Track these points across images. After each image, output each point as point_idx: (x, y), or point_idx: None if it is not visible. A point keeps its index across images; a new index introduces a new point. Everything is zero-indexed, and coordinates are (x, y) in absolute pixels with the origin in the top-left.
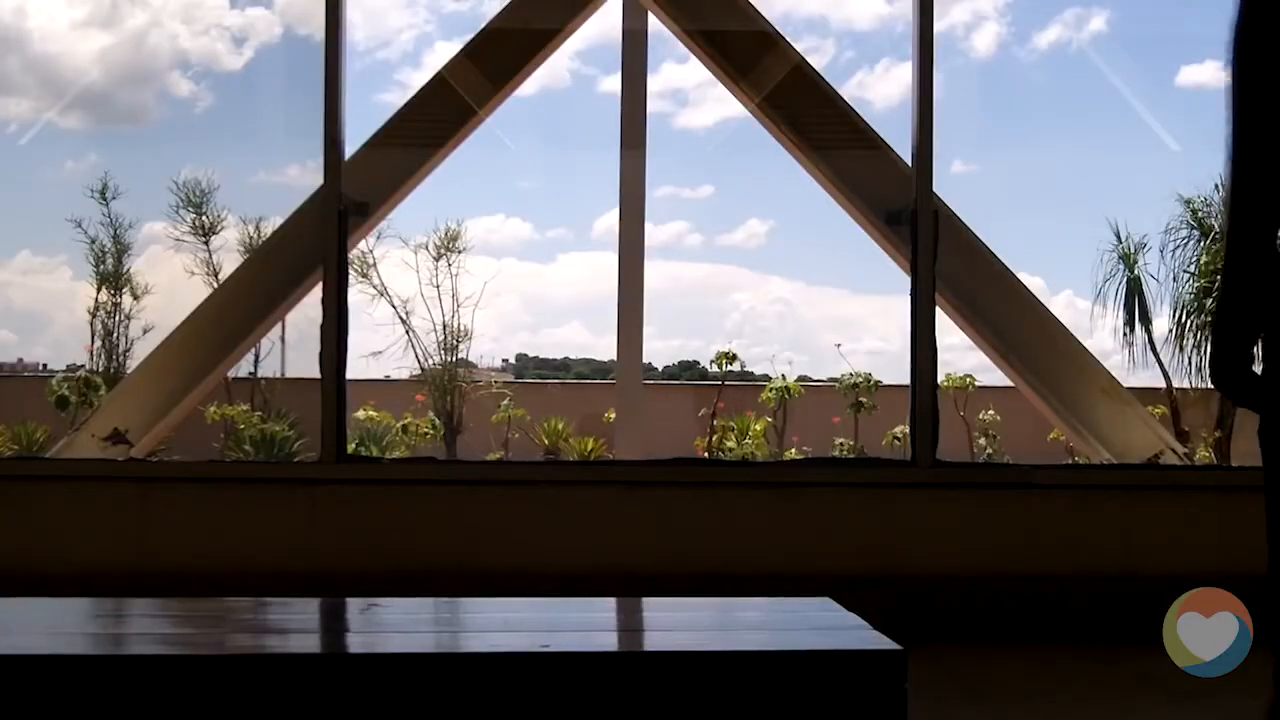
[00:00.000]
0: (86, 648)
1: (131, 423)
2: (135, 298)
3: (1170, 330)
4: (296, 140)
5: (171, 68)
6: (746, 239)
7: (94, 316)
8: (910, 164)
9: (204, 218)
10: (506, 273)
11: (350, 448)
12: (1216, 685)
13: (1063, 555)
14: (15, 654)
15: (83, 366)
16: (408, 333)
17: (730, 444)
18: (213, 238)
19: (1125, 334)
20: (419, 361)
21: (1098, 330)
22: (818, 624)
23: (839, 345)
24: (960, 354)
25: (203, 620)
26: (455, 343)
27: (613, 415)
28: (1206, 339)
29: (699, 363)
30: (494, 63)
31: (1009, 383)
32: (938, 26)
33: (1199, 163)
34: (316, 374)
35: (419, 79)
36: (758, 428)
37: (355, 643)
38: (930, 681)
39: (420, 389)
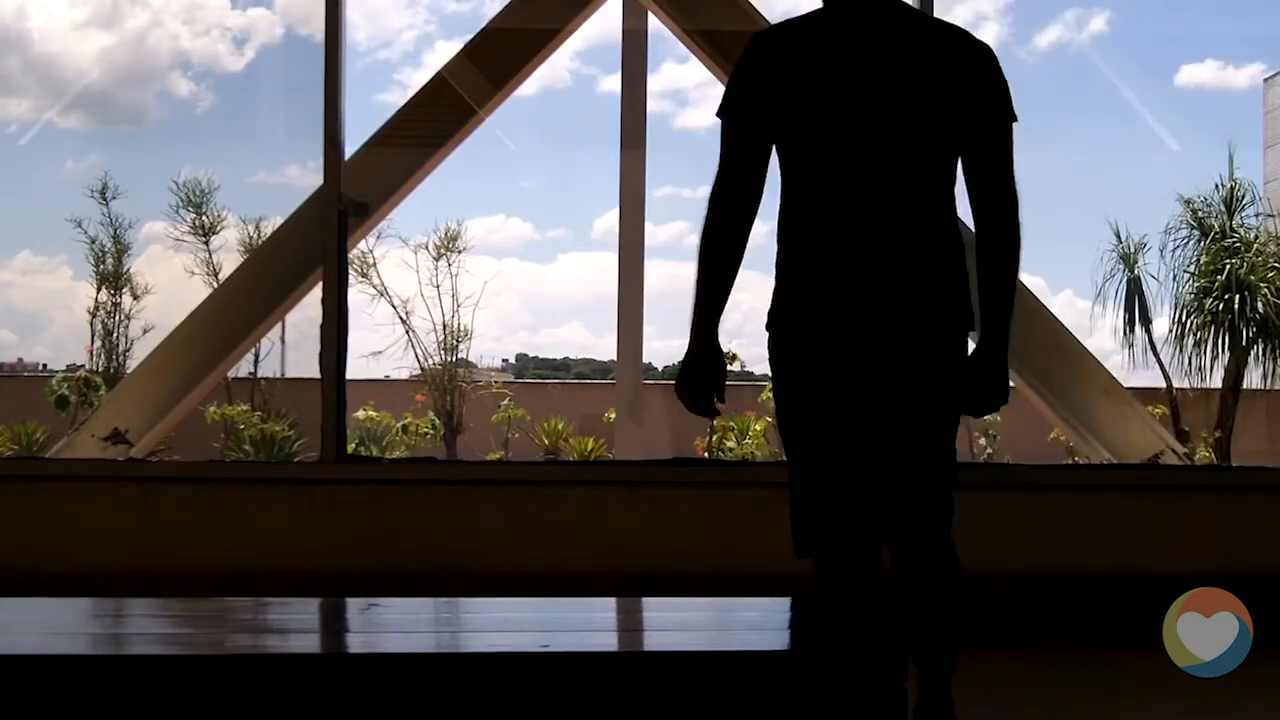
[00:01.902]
0: (86, 648)
1: (131, 423)
2: (135, 298)
3: (1170, 330)
4: (296, 140)
5: (172, 68)
6: None
7: (94, 316)
8: None
9: (204, 218)
10: (506, 273)
11: (350, 448)
12: (1216, 685)
13: (1063, 555)
14: (15, 654)
15: (82, 366)
16: (408, 333)
17: (730, 444)
18: (213, 238)
19: (1125, 334)
20: (419, 361)
21: (1098, 330)
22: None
23: None
24: None
25: (203, 620)
26: (455, 343)
27: (613, 415)
28: (1207, 339)
29: None
30: (494, 63)
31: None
32: None
33: (1199, 163)
34: (316, 374)
35: (419, 79)
36: (758, 428)
37: (355, 643)
38: None
39: (420, 389)
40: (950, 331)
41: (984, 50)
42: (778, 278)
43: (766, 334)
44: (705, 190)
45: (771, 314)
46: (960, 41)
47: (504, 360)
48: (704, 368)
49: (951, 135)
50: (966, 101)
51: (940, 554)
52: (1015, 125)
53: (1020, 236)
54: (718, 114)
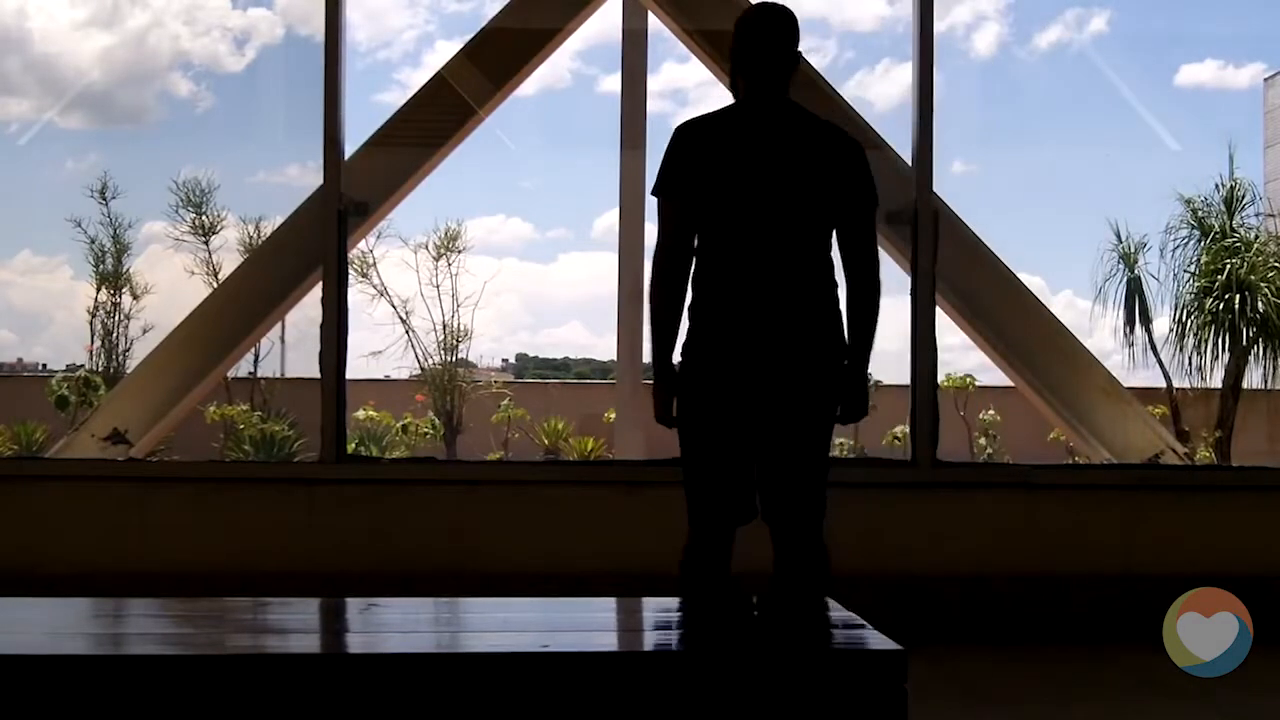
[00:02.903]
0: (86, 648)
1: (131, 422)
2: (135, 297)
3: (1170, 330)
4: (296, 140)
5: (172, 68)
6: None
7: (94, 316)
8: (910, 164)
9: (204, 217)
10: (507, 273)
11: (350, 448)
12: (1216, 685)
13: (1063, 555)
14: (15, 654)
15: (82, 366)
16: (408, 333)
17: None
18: (213, 238)
19: (1125, 334)
20: (419, 361)
21: (1098, 330)
22: (818, 624)
23: None
24: (960, 354)
25: (203, 620)
26: (455, 343)
27: (613, 415)
28: (1207, 339)
29: None
30: (494, 63)
31: (1009, 383)
32: (938, 27)
33: (1199, 163)
34: (316, 374)
35: (419, 79)
36: None
37: (355, 643)
38: (930, 682)
39: (420, 389)
40: (827, 361)
41: (856, 147)
42: (691, 318)
43: (680, 359)
44: None
45: (685, 345)
46: (838, 140)
47: (504, 360)
48: (663, 388)
49: (828, 214)
50: (841, 190)
51: (812, 542)
52: (878, 209)
53: (879, 291)
54: (653, 193)
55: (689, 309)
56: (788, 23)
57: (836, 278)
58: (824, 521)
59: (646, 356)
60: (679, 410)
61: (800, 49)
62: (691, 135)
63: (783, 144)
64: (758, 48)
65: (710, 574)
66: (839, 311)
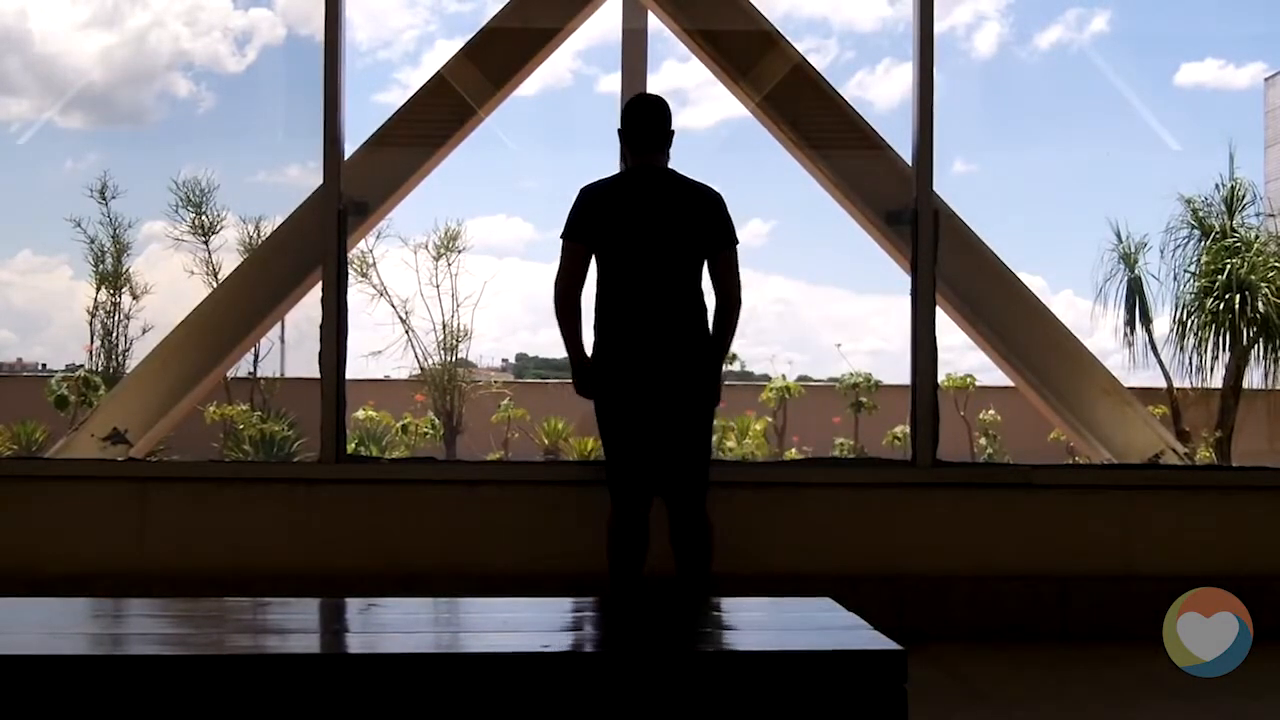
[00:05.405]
0: (86, 648)
1: (131, 422)
2: (135, 297)
3: (1171, 330)
4: (296, 140)
5: (173, 68)
6: (747, 239)
7: (94, 316)
8: (910, 164)
9: (204, 217)
10: (507, 272)
11: (350, 447)
12: (1216, 685)
13: (1063, 555)
14: (15, 654)
15: (82, 366)
16: (407, 333)
17: (730, 444)
18: (213, 237)
19: (1125, 333)
20: (419, 361)
21: (1098, 330)
22: (818, 624)
23: (839, 345)
24: (960, 354)
25: (202, 620)
26: (455, 342)
27: None
28: (1207, 339)
29: None
30: (494, 62)
31: (1009, 383)
32: (938, 27)
33: (1199, 162)
34: (316, 374)
35: (419, 79)
36: (758, 428)
37: (355, 643)
38: (930, 681)
39: (420, 389)
40: (697, 364)
41: (717, 199)
42: (596, 331)
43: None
44: None
45: (594, 355)
46: (704, 195)
47: (504, 360)
48: (583, 374)
49: (697, 251)
50: (707, 233)
51: (697, 513)
52: (740, 246)
53: (739, 307)
54: (561, 237)
55: (594, 324)
56: (662, 110)
57: (705, 300)
58: (706, 495)
59: None
60: (597, 410)
61: (673, 127)
62: (593, 195)
63: (662, 201)
64: (640, 130)
65: (632, 541)
66: (706, 325)
